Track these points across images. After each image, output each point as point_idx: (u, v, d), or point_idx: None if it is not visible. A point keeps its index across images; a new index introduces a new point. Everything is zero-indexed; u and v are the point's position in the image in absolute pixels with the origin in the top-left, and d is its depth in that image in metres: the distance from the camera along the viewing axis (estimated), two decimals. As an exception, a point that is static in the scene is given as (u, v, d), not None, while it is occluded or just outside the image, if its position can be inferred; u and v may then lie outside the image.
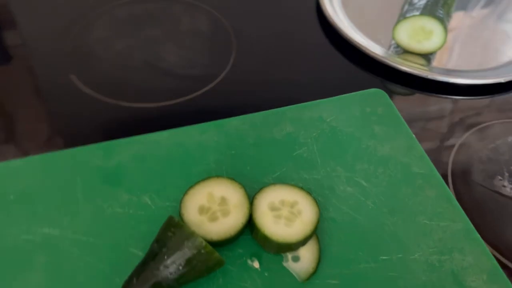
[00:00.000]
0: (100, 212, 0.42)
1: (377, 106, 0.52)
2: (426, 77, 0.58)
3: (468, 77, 0.59)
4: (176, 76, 0.59)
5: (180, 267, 0.34)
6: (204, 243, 0.35)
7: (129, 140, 0.48)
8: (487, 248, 0.41)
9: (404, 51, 0.63)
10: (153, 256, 0.35)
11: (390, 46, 0.64)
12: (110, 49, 0.62)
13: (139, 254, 0.39)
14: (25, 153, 0.51)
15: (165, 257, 0.34)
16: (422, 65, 0.61)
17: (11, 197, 0.43)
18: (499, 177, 0.48)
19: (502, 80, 0.58)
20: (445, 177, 0.49)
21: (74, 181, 0.44)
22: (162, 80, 0.59)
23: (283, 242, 0.39)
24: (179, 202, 0.43)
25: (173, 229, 0.35)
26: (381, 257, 0.40)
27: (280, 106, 0.52)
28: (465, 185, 0.48)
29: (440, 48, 0.62)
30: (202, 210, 0.41)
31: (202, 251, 0.34)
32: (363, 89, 0.55)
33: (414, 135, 0.49)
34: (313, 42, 0.66)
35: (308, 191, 0.42)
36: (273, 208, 0.41)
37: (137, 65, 0.61)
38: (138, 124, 0.54)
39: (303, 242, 0.40)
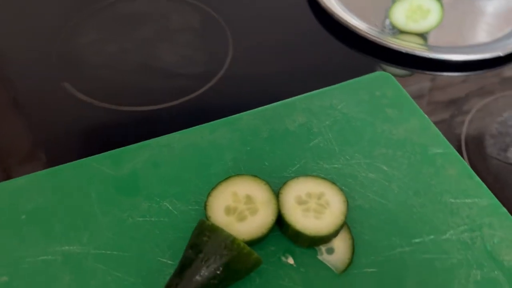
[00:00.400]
0: (120, 223, 0.40)
1: (385, 89, 0.52)
2: (427, 56, 0.58)
3: (467, 53, 0.59)
4: (175, 76, 0.57)
5: (219, 272, 0.33)
6: (242, 244, 0.33)
7: (138, 145, 0.46)
8: (515, 221, 0.41)
9: (400, 32, 0.63)
10: (189, 263, 0.33)
11: (384, 28, 0.64)
12: (101, 52, 0.60)
13: (169, 262, 0.38)
14: (5, 170, 0.49)
15: (203, 262, 0.33)
16: (420, 44, 0.60)
17: (23, 217, 0.40)
18: (512, 149, 0.48)
19: (500, 53, 0.58)
20: (460, 153, 0.49)
21: (87, 193, 0.42)
22: (162, 81, 0.57)
23: (316, 236, 0.38)
24: (202, 204, 0.41)
25: (208, 232, 0.33)
26: (413, 240, 0.40)
27: (284, 98, 0.51)
28: (480, 161, 0.48)
29: (437, 26, 0.61)
30: (229, 210, 0.39)
31: (242, 252, 0.33)
32: (363, 73, 0.54)
33: (426, 115, 0.49)
34: (308, 30, 0.65)
35: (332, 181, 0.41)
36: (300, 202, 0.40)
37: (134, 67, 0.58)
38: (142, 128, 0.52)
39: (335, 233, 0.39)
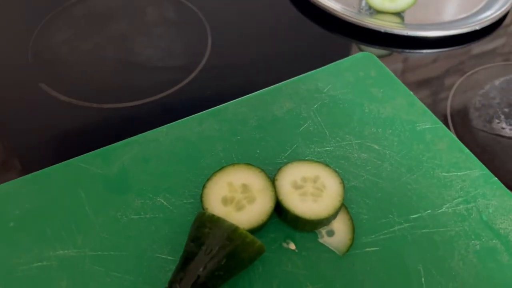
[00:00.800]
0: (114, 222, 0.39)
1: (369, 69, 0.52)
2: (406, 34, 0.58)
3: (444, 29, 0.59)
4: (156, 70, 0.56)
5: (223, 263, 0.32)
6: (245, 232, 0.33)
7: (125, 142, 0.45)
8: (507, 189, 0.42)
9: (376, 12, 0.63)
10: (192, 256, 0.33)
11: (361, 9, 0.64)
12: (77, 50, 0.58)
13: (169, 258, 0.37)
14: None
15: (206, 255, 0.32)
16: (397, 23, 0.61)
17: (11, 225, 0.39)
18: (497, 120, 0.49)
19: (477, 27, 0.59)
20: (447, 126, 0.50)
21: (77, 194, 0.41)
22: (142, 75, 0.55)
23: (315, 219, 0.38)
24: (196, 198, 0.41)
25: (209, 224, 0.33)
26: (411, 216, 0.40)
27: (268, 85, 0.50)
28: (467, 133, 0.49)
29: (413, 4, 0.62)
30: (226, 201, 0.39)
31: (245, 241, 0.32)
32: (343, 55, 0.54)
33: (411, 92, 0.49)
34: (285, 16, 0.65)
35: (326, 164, 0.41)
36: (296, 187, 0.40)
37: (112, 64, 0.57)
38: (126, 125, 0.50)
39: (334, 215, 0.39)
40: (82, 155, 0.43)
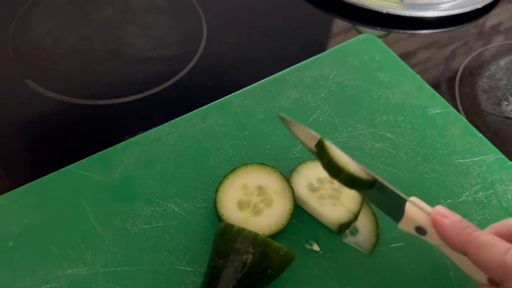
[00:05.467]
0: (124, 234, 0.36)
1: (373, 53, 0.49)
2: (409, 15, 0.56)
3: (446, 9, 0.57)
4: (149, 61, 0.52)
5: (256, 278, 0.30)
6: (279, 246, 0.31)
7: (126, 144, 0.41)
8: (523, 173, 0.42)
9: None
10: (219, 272, 0.30)
11: None
12: (61, 42, 0.53)
13: (188, 269, 0.35)
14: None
15: (238, 272, 0.30)
16: (396, 2, 0.58)
17: (10, 244, 0.35)
18: (505, 103, 0.48)
19: (478, 6, 0.57)
20: (457, 112, 0.49)
21: (80, 205, 0.38)
22: (135, 67, 0.51)
23: (343, 223, 0.36)
24: (209, 201, 0.38)
25: (240, 238, 0.30)
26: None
27: (270, 72, 0.47)
28: (477, 117, 0.48)
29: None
30: (242, 205, 0.36)
31: (280, 253, 0.30)
32: (343, 38, 0.52)
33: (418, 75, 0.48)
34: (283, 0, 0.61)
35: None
36: (313, 190, 0.38)
37: (101, 56, 0.52)
38: (123, 122, 0.47)
39: (356, 216, 0.37)
40: (80, 161, 0.40)
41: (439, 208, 0.31)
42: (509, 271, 0.26)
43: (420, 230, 0.32)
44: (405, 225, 0.32)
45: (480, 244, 0.28)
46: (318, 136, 0.34)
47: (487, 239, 0.28)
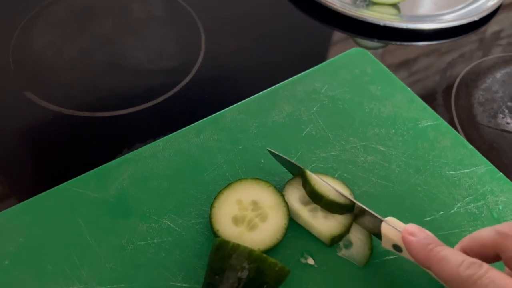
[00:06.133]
0: (120, 251, 0.36)
1: (364, 66, 0.50)
2: (406, 27, 0.57)
3: (443, 21, 0.58)
4: (147, 73, 0.52)
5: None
6: (274, 261, 0.31)
7: (121, 160, 0.42)
8: (513, 184, 0.42)
9: (372, 4, 0.61)
10: None
11: (356, 1, 0.62)
12: (61, 54, 0.53)
13: (184, 286, 0.35)
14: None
15: (235, 287, 0.30)
16: (393, 15, 0.59)
17: (6, 263, 0.36)
18: (501, 115, 0.48)
19: (475, 18, 0.58)
20: (453, 124, 0.49)
21: (75, 222, 0.38)
22: (133, 80, 0.52)
23: (335, 235, 0.36)
24: (204, 216, 0.39)
25: (235, 255, 0.30)
26: (425, 219, 0.39)
27: (265, 85, 0.48)
28: (473, 130, 0.48)
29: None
30: (237, 220, 0.37)
31: (276, 268, 0.31)
32: (341, 51, 0.52)
33: (410, 89, 0.49)
34: (279, 10, 0.62)
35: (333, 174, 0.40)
36: (305, 203, 0.38)
37: (100, 69, 0.53)
38: (120, 134, 0.47)
39: (348, 230, 0.38)
40: (75, 178, 0.40)
41: (409, 226, 0.32)
42: (464, 283, 0.27)
43: (397, 247, 0.34)
44: (385, 244, 0.35)
45: (440, 259, 0.29)
46: (301, 167, 0.38)
47: (446, 254, 0.29)
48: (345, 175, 0.42)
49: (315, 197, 0.37)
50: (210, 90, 0.51)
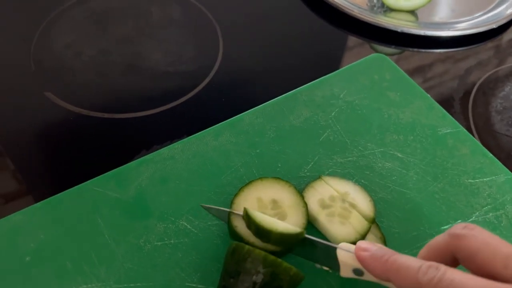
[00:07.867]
0: (137, 251, 0.37)
1: (383, 72, 0.50)
2: (424, 34, 0.56)
3: (461, 29, 0.58)
4: (165, 76, 0.53)
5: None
6: (288, 266, 0.31)
7: (140, 161, 0.42)
8: (533, 194, 0.42)
9: (390, 10, 0.61)
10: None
11: (373, 7, 0.62)
12: (81, 55, 0.55)
13: (199, 287, 0.35)
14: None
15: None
16: (411, 21, 0.59)
17: (28, 259, 0.36)
18: (519, 124, 0.48)
19: (494, 26, 0.57)
20: (470, 133, 0.49)
21: (94, 222, 0.39)
22: (152, 82, 0.52)
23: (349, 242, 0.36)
24: (221, 218, 0.39)
25: (250, 259, 0.31)
26: (442, 228, 0.39)
27: (283, 89, 0.48)
28: (491, 138, 0.48)
29: (428, 2, 0.60)
30: (255, 219, 0.37)
31: (290, 273, 0.31)
32: (357, 56, 0.52)
33: (429, 95, 0.48)
34: (298, 17, 0.62)
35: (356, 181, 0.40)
36: (324, 206, 0.38)
37: (119, 70, 0.54)
38: (139, 136, 0.48)
39: (363, 238, 0.37)
40: (95, 178, 0.41)
41: (359, 243, 0.31)
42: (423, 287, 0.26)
43: (357, 271, 0.32)
44: (344, 272, 0.33)
45: (397, 268, 0.28)
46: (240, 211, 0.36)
47: (402, 261, 0.28)
48: (362, 181, 0.42)
49: (263, 234, 0.34)
50: (227, 93, 0.52)
